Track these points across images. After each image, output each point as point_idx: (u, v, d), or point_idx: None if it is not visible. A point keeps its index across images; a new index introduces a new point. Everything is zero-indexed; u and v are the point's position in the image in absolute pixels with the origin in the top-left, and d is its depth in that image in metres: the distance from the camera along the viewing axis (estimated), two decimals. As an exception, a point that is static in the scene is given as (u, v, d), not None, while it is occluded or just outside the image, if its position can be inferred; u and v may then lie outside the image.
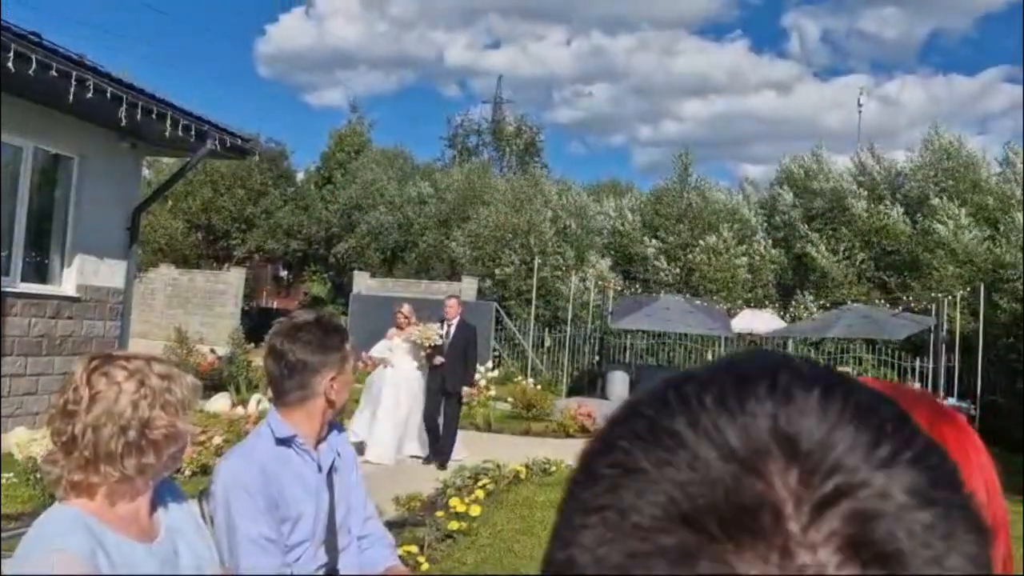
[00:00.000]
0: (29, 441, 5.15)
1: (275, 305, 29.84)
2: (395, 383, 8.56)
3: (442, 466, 8.22)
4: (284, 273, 32.55)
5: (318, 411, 1.99)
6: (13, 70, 6.48)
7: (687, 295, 18.33)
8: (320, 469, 2.00)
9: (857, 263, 18.93)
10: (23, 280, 8.23)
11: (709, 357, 19.06)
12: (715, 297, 18.57)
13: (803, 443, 0.32)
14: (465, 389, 8.67)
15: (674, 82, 73.07)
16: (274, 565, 1.83)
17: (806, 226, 19.78)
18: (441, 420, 8.54)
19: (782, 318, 17.51)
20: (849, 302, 17.19)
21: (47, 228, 8.69)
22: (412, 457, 8.69)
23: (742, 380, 0.35)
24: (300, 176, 31.69)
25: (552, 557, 0.36)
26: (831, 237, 19.36)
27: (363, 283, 21.12)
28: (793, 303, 18.52)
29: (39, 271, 8.61)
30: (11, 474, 5.34)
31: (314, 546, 1.95)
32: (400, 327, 8.55)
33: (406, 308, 8.73)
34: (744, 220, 20.43)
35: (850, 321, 15.12)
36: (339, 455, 2.10)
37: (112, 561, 1.38)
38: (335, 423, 2.11)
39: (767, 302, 18.73)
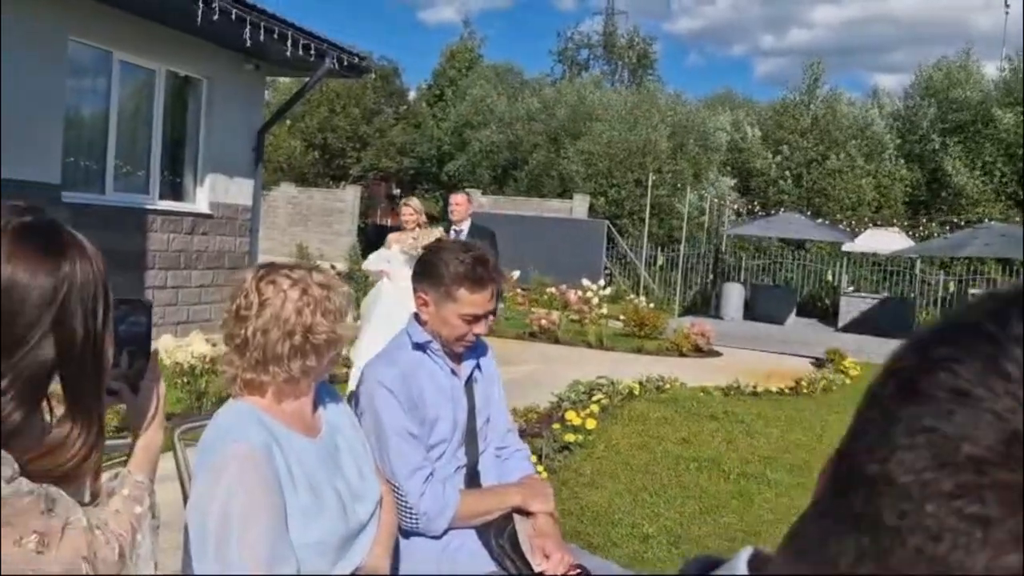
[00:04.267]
0: (175, 348, 5.51)
1: (389, 223, 30.53)
2: (390, 294, 6.24)
3: None
4: (397, 191, 33.17)
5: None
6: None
7: (808, 214, 17.66)
8: (454, 374, 2.12)
9: (997, 179, 17.66)
10: (161, 198, 8.72)
11: (829, 278, 18.41)
12: (838, 217, 17.80)
13: None
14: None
15: (803, -14, 68.75)
16: (419, 456, 1.98)
17: (944, 139, 18.50)
18: None
19: (910, 237, 16.65)
20: (986, 221, 16.14)
21: (180, 149, 9.13)
22: None
23: None
24: (412, 95, 31.92)
25: (858, 464, 0.35)
26: (971, 152, 18.06)
27: (475, 201, 21.30)
28: (923, 222, 17.55)
29: (175, 190, 9.08)
30: (161, 378, 5.79)
31: (452, 447, 2.06)
32: (407, 228, 6.45)
33: (414, 202, 6.65)
34: (874, 136, 19.28)
35: (987, 240, 14.20)
36: (479, 368, 2.21)
37: (284, 452, 1.50)
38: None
39: (894, 220, 17.81)
